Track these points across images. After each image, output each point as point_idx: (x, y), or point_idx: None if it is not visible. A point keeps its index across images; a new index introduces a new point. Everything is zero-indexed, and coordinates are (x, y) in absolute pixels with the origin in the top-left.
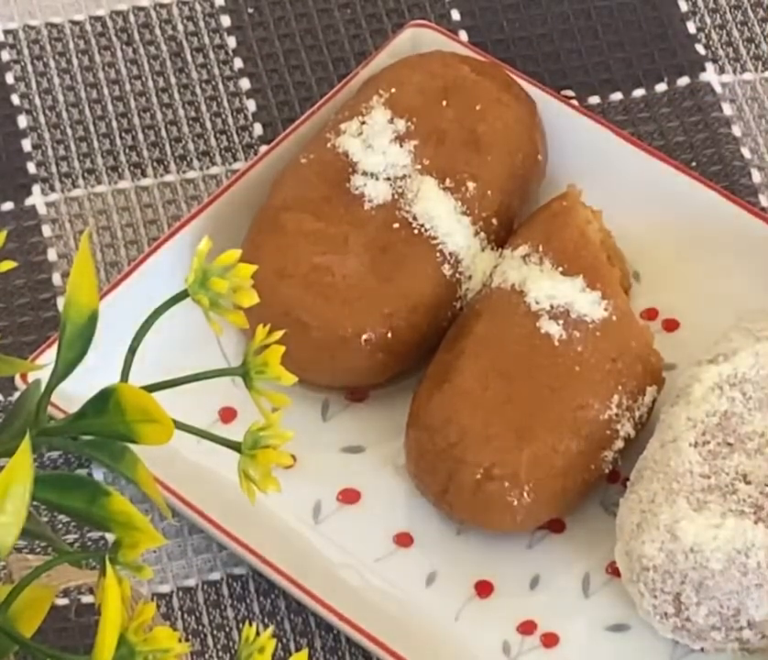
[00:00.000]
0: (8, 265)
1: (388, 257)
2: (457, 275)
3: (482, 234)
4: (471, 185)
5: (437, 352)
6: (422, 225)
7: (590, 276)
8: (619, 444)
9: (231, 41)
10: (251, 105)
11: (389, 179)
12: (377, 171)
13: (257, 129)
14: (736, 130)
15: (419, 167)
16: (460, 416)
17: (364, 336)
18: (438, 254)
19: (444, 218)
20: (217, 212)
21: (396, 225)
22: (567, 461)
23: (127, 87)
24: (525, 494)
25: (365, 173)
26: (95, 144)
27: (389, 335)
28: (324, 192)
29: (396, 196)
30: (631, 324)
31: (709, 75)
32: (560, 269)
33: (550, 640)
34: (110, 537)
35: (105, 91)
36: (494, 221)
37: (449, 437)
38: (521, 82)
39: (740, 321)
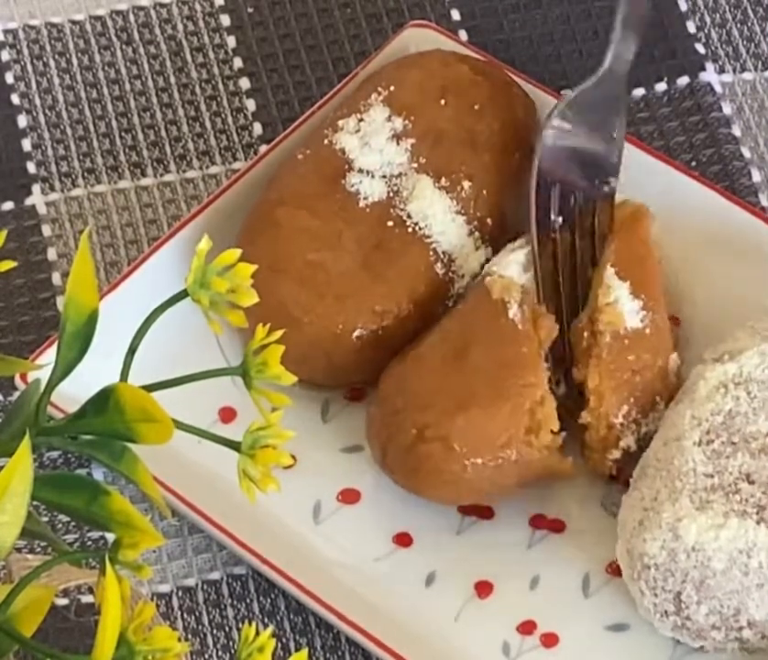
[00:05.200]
0: (8, 265)
1: (381, 254)
2: (450, 274)
3: (476, 233)
4: (467, 185)
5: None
6: (416, 224)
7: (636, 284)
8: (616, 454)
9: (231, 41)
10: (251, 105)
11: (384, 177)
12: (373, 169)
13: (257, 129)
14: (736, 130)
15: (415, 165)
16: (409, 384)
17: (355, 333)
18: (431, 252)
19: (439, 217)
20: (217, 212)
21: (390, 223)
22: (507, 433)
23: (127, 87)
24: (457, 459)
25: (361, 171)
26: (95, 144)
27: (381, 332)
28: (320, 189)
29: (391, 194)
30: (664, 343)
31: (709, 75)
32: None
33: (550, 640)
34: (110, 537)
35: (105, 91)
36: (489, 221)
37: (395, 404)
38: (520, 82)
39: (747, 320)
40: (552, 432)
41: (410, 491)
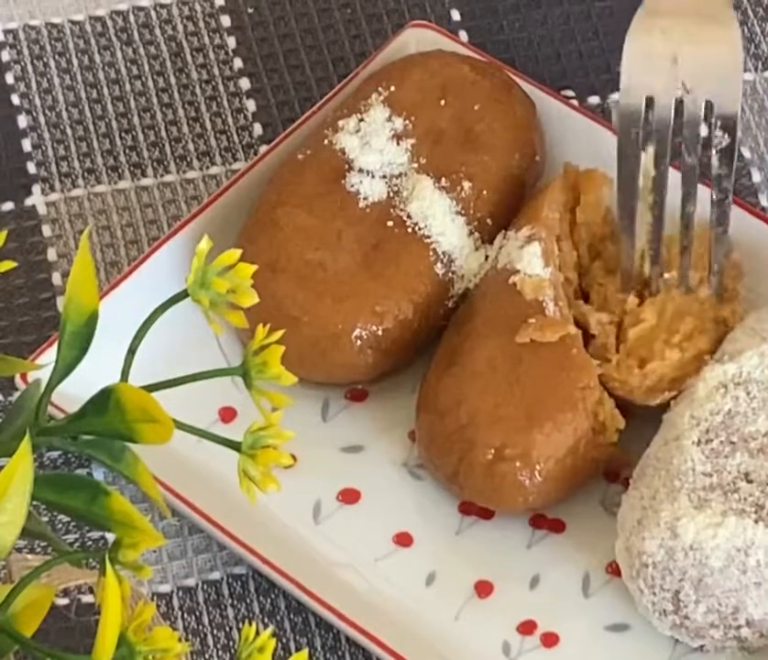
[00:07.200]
0: (8, 265)
1: (380, 254)
2: (450, 274)
3: (476, 234)
4: (467, 185)
5: (445, 335)
6: (416, 224)
7: None
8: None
9: (231, 41)
10: (251, 105)
11: (384, 177)
12: (373, 169)
13: (257, 129)
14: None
15: (415, 165)
16: (470, 398)
17: (354, 333)
18: (431, 253)
19: (439, 217)
20: (217, 212)
21: (390, 223)
22: (577, 438)
23: (127, 87)
24: (537, 473)
25: (361, 171)
26: (95, 144)
27: (380, 332)
28: (320, 189)
29: (391, 194)
30: None
31: None
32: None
33: (550, 640)
34: (110, 537)
35: (105, 91)
36: (489, 221)
37: (460, 419)
38: (520, 83)
39: (747, 321)
40: (617, 429)
41: (483, 505)
